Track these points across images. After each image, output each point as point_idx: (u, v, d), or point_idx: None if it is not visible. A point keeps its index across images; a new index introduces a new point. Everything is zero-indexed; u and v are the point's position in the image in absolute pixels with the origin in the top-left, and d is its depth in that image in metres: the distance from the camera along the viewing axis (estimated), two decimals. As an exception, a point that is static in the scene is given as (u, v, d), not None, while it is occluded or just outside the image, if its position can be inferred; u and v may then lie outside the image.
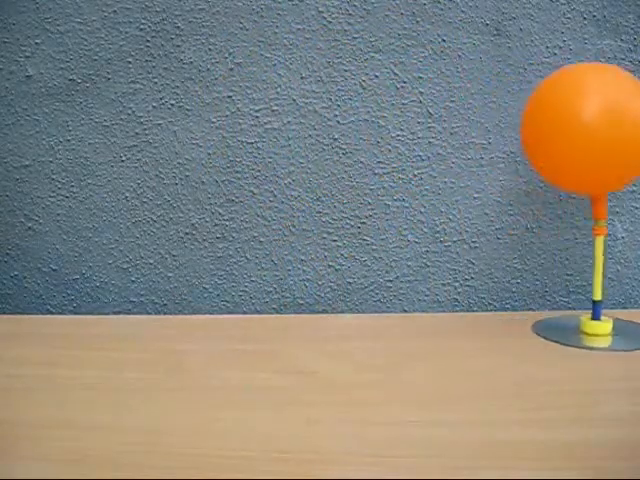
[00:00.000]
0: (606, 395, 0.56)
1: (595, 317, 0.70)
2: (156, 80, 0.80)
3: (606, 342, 0.69)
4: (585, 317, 0.71)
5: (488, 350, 0.66)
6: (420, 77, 0.79)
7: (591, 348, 0.67)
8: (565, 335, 0.70)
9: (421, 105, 0.79)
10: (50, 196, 0.82)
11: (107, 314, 0.82)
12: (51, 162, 0.81)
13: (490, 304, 0.82)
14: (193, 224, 0.81)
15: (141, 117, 0.80)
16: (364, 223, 0.81)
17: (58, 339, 0.71)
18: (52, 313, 0.83)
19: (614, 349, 0.67)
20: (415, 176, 0.80)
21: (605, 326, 0.70)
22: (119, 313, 0.83)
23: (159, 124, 0.80)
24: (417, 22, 0.78)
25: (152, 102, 0.80)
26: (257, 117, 0.80)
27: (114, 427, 0.51)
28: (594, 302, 0.70)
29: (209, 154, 0.80)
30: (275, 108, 0.79)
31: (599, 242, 0.69)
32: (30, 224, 0.82)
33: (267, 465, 0.46)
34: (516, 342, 0.68)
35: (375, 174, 0.80)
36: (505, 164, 0.80)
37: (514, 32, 0.78)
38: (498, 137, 0.79)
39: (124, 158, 0.81)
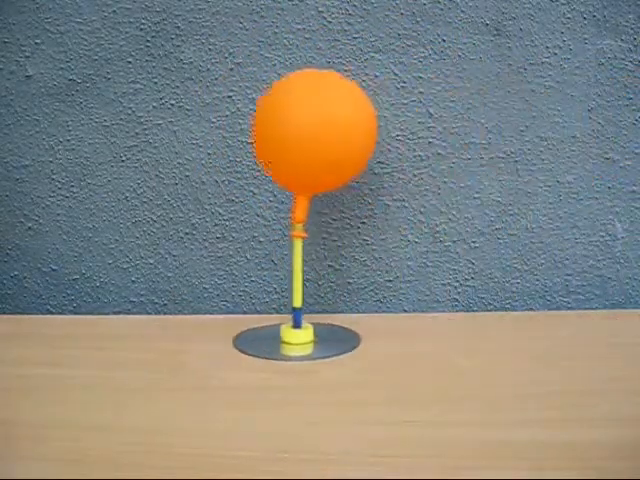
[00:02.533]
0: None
1: (296, 325, 0.68)
2: (156, 80, 0.80)
3: (306, 350, 0.67)
4: (286, 325, 0.69)
5: (487, 350, 0.66)
6: (420, 77, 0.79)
7: (289, 358, 0.65)
8: (266, 346, 0.67)
9: (421, 105, 0.79)
10: (50, 196, 0.82)
11: (107, 314, 0.82)
12: (51, 162, 0.81)
13: (490, 304, 0.82)
14: (193, 224, 0.81)
15: (141, 117, 0.80)
16: (364, 223, 0.81)
17: (58, 339, 0.71)
18: (52, 313, 0.83)
19: (313, 357, 0.66)
20: (415, 176, 0.80)
21: (305, 334, 0.68)
22: (119, 313, 0.83)
23: (159, 124, 0.80)
24: (417, 22, 0.78)
25: (152, 102, 0.80)
26: (257, 117, 0.80)
27: (114, 427, 0.51)
28: (294, 309, 0.68)
29: (209, 154, 0.80)
30: (275, 108, 0.79)
31: (297, 245, 0.68)
32: (30, 224, 0.82)
33: (267, 465, 0.46)
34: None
35: (375, 174, 0.80)
36: (505, 164, 0.80)
37: (514, 32, 0.78)
38: (498, 137, 0.79)
39: (124, 158, 0.81)
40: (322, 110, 0.63)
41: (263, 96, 0.67)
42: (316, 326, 0.70)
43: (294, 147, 0.63)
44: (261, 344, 0.68)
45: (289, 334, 0.68)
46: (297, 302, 0.68)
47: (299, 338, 0.68)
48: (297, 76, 0.68)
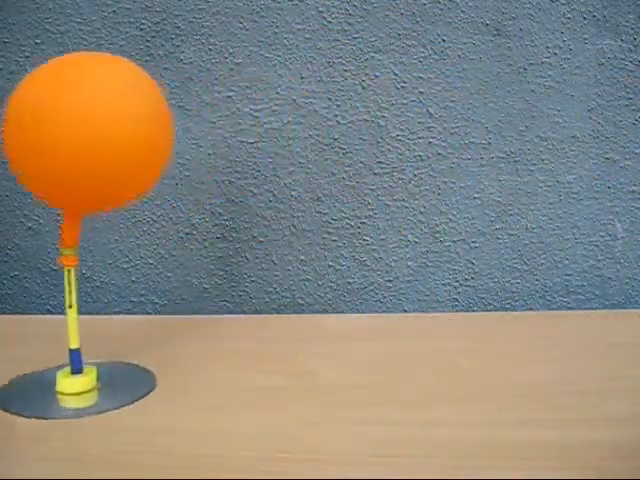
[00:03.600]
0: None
1: (75, 370, 0.56)
2: (156, 80, 0.79)
3: (89, 400, 0.55)
4: (63, 372, 0.56)
5: (487, 350, 0.66)
6: (420, 77, 0.79)
7: (62, 415, 0.52)
8: (37, 400, 0.54)
9: (421, 105, 0.79)
10: (50, 196, 0.82)
11: (107, 314, 0.82)
12: (51, 162, 0.81)
13: (490, 304, 0.82)
14: (193, 224, 0.81)
15: (141, 117, 0.80)
16: (364, 223, 0.81)
17: (58, 339, 0.71)
18: (52, 313, 0.83)
19: (94, 411, 0.53)
20: (415, 176, 0.80)
21: (85, 380, 0.56)
22: (119, 313, 0.83)
23: (159, 124, 0.80)
24: (417, 22, 0.78)
25: (152, 102, 0.80)
26: (257, 117, 0.80)
27: (114, 427, 0.51)
28: (71, 351, 0.56)
29: (209, 154, 0.80)
30: (275, 108, 0.79)
31: (72, 275, 0.55)
32: (30, 224, 0.82)
33: (267, 465, 0.46)
34: (512, 343, 0.68)
35: (375, 174, 0.80)
36: (505, 164, 0.80)
37: (514, 32, 0.78)
38: (498, 137, 0.79)
39: (124, 158, 0.81)
40: (81, 104, 0.49)
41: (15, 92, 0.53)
42: (100, 367, 0.58)
43: (52, 154, 0.48)
44: (34, 396, 0.55)
45: (64, 384, 0.55)
46: (73, 343, 0.56)
47: (77, 386, 0.55)
48: (53, 64, 0.53)
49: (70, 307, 0.56)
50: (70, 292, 0.55)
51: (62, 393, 0.56)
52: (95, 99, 0.49)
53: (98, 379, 0.57)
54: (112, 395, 0.56)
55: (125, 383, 0.58)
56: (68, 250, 0.54)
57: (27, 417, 0.52)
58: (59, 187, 0.50)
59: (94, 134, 0.48)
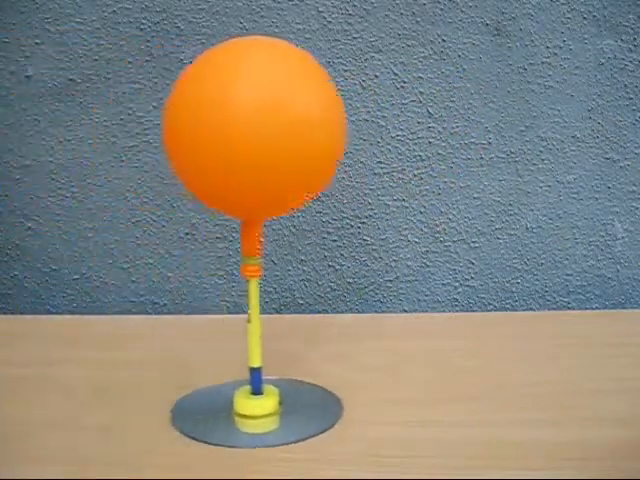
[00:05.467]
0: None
1: (255, 390, 0.51)
2: (156, 80, 0.80)
3: (269, 426, 0.50)
4: (241, 391, 0.52)
5: (487, 350, 0.66)
6: (420, 77, 0.79)
7: (240, 445, 0.47)
8: (211, 423, 0.50)
9: (421, 105, 0.79)
10: (50, 196, 0.82)
11: (107, 314, 0.82)
12: (51, 162, 0.81)
13: (490, 304, 0.82)
14: (193, 224, 0.81)
15: (141, 117, 0.80)
16: (364, 223, 0.81)
17: (58, 339, 0.71)
18: (52, 313, 0.83)
19: (275, 443, 0.48)
20: (415, 176, 0.80)
21: (266, 404, 0.51)
22: (119, 313, 0.82)
23: (159, 124, 0.80)
24: (417, 22, 0.78)
25: (152, 102, 0.80)
26: (257, 117, 0.80)
27: (114, 427, 0.51)
28: (252, 370, 0.51)
29: (209, 154, 0.80)
30: (275, 108, 0.79)
31: (253, 287, 0.51)
32: (30, 224, 0.82)
33: (267, 465, 0.46)
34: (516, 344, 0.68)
35: (375, 174, 0.80)
36: (505, 164, 0.80)
37: (514, 32, 0.78)
38: (498, 137, 0.79)
39: (124, 158, 0.81)
40: (272, 94, 0.44)
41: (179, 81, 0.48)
42: (282, 387, 0.53)
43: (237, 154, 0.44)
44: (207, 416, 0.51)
45: (243, 405, 0.51)
46: (255, 361, 0.52)
47: (257, 409, 0.51)
48: (230, 46, 0.47)
49: (249, 322, 0.51)
50: (252, 305, 0.51)
51: (241, 415, 0.51)
52: (277, 102, 0.44)
53: (281, 403, 0.52)
54: (292, 426, 0.50)
55: (308, 406, 0.53)
56: (249, 259, 0.50)
57: (210, 444, 0.48)
58: (236, 196, 0.46)
59: (275, 144, 0.43)
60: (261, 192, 0.45)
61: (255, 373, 0.52)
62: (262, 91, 0.44)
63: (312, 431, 0.49)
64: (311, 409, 0.53)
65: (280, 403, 0.52)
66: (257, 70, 0.44)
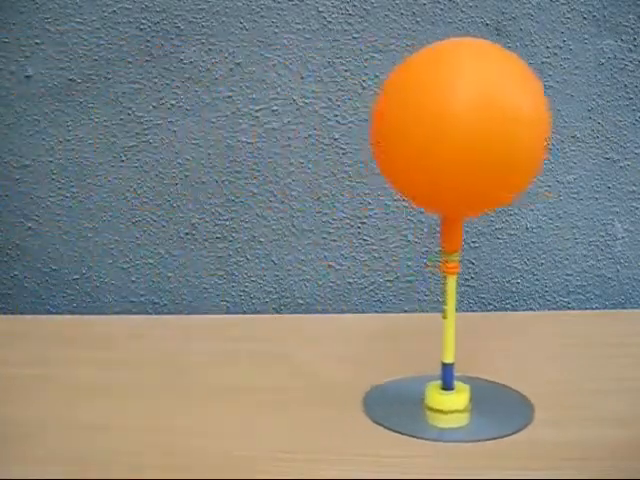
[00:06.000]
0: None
1: (446, 386, 0.52)
2: (156, 80, 0.80)
3: (459, 421, 0.51)
4: (432, 385, 0.52)
5: (487, 350, 0.66)
6: (420, 77, 0.79)
7: (433, 438, 0.49)
8: (402, 413, 0.52)
9: (421, 105, 0.79)
10: (50, 196, 0.82)
11: (107, 314, 0.82)
12: (51, 162, 0.81)
13: (490, 304, 0.82)
14: (193, 224, 0.81)
15: (141, 117, 0.80)
16: (364, 223, 0.81)
17: (58, 339, 0.71)
18: (52, 313, 0.83)
19: (465, 439, 0.49)
20: (415, 176, 0.80)
21: (457, 399, 0.51)
22: (119, 313, 0.82)
23: (159, 124, 0.80)
24: (417, 22, 0.78)
25: (152, 102, 0.80)
26: (257, 117, 0.80)
27: (114, 427, 0.51)
28: (444, 365, 0.52)
29: (209, 154, 0.80)
30: (275, 108, 0.79)
31: (451, 283, 0.51)
32: (30, 224, 0.82)
33: (267, 465, 0.46)
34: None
35: (375, 174, 0.80)
36: (505, 164, 0.80)
37: (514, 32, 0.78)
38: (498, 137, 0.79)
39: (124, 158, 0.81)
40: (492, 91, 0.44)
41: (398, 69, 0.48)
42: (473, 385, 0.53)
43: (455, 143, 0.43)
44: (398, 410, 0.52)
45: (435, 399, 0.51)
46: (448, 357, 0.52)
47: (449, 404, 0.51)
48: (454, 45, 0.48)
49: (445, 318, 0.51)
50: (448, 302, 0.51)
51: (432, 409, 0.51)
52: (491, 100, 0.44)
53: (471, 400, 0.52)
54: (483, 423, 0.51)
55: (499, 409, 0.53)
56: (448, 256, 0.50)
57: (395, 432, 0.49)
58: (441, 192, 0.46)
59: (487, 142, 0.43)
60: (467, 189, 0.45)
61: (448, 368, 0.52)
62: (477, 89, 0.44)
63: (502, 432, 0.49)
64: (502, 409, 0.53)
65: (470, 400, 0.52)
66: (472, 69, 0.45)
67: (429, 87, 0.44)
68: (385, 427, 0.50)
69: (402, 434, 0.49)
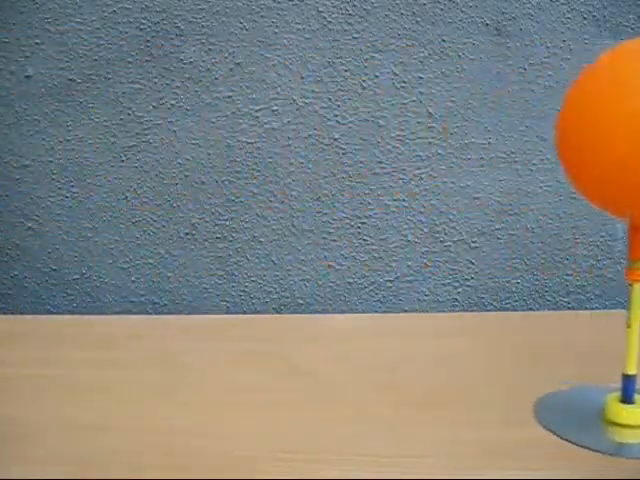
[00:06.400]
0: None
1: (626, 399, 0.50)
2: (156, 80, 0.80)
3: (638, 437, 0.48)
4: (612, 396, 0.51)
5: (488, 350, 0.66)
6: (420, 77, 0.79)
7: (619, 453, 0.46)
8: (580, 425, 0.49)
9: (421, 105, 0.79)
10: (50, 196, 0.82)
11: (107, 314, 0.82)
12: (51, 162, 0.81)
13: (490, 304, 0.82)
14: (193, 224, 0.81)
15: (141, 117, 0.80)
16: (364, 223, 0.81)
17: (58, 339, 0.71)
18: (52, 313, 0.83)
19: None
20: (415, 176, 0.80)
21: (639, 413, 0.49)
22: (119, 313, 0.82)
23: (159, 124, 0.80)
24: (417, 22, 0.78)
25: (152, 102, 0.80)
26: (257, 117, 0.80)
27: (114, 427, 0.51)
28: (625, 377, 0.50)
29: (209, 154, 0.80)
30: (275, 108, 0.79)
31: (637, 290, 0.49)
32: (30, 224, 0.82)
33: (267, 465, 0.46)
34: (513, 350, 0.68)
35: (375, 174, 0.80)
36: (505, 164, 0.80)
37: (514, 32, 0.78)
38: (498, 137, 0.79)
39: (124, 158, 0.81)
40: None
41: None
42: None
43: None
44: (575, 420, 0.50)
45: (619, 412, 0.49)
46: (631, 368, 0.50)
47: (633, 418, 0.49)
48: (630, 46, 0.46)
49: (629, 327, 0.51)
50: (633, 310, 0.50)
51: (613, 423, 0.50)
52: None
53: None
54: None
55: None
56: (636, 263, 0.49)
57: (577, 445, 0.47)
58: (628, 196, 0.45)
59: None
60: None
61: (629, 380, 0.50)
62: None
63: None
64: None
65: None
66: None
67: (622, 92, 0.43)
68: (563, 438, 0.48)
69: (576, 445, 0.48)
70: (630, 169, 0.42)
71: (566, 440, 0.48)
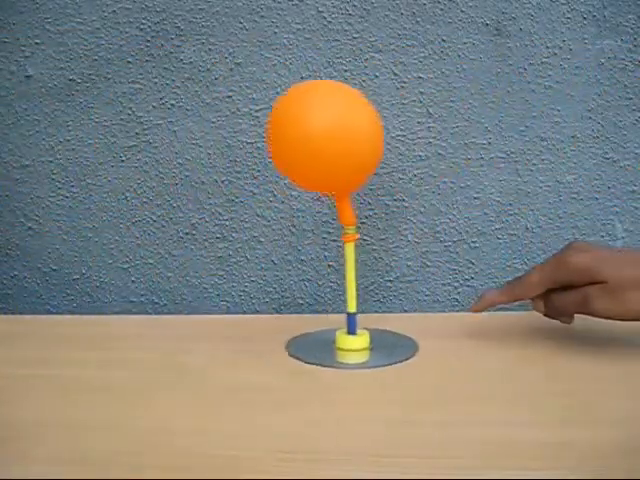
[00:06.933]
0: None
1: (350, 331, 0.66)
2: (156, 80, 0.80)
3: (362, 357, 0.65)
4: (340, 331, 0.67)
5: (488, 350, 0.66)
6: (420, 77, 0.79)
7: (343, 366, 0.63)
8: (319, 353, 0.65)
9: (421, 105, 0.79)
10: (50, 196, 0.82)
11: (107, 314, 0.82)
12: (51, 162, 0.81)
13: (490, 304, 0.81)
14: (193, 224, 0.81)
15: (141, 117, 0.80)
16: (364, 223, 0.81)
17: (58, 339, 0.71)
18: (52, 313, 0.83)
19: (368, 365, 0.63)
20: (415, 176, 0.80)
21: (360, 340, 0.66)
22: (119, 313, 0.83)
23: (159, 124, 0.80)
24: (417, 22, 0.78)
25: (152, 102, 0.80)
26: (257, 117, 0.80)
27: (114, 427, 0.51)
28: (348, 315, 0.66)
29: (209, 154, 0.80)
30: (275, 108, 0.79)
31: (349, 249, 0.66)
32: (30, 224, 0.82)
33: (267, 465, 0.46)
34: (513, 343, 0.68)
35: (375, 174, 0.80)
36: (505, 164, 0.80)
37: (514, 32, 0.78)
38: (498, 137, 0.79)
39: (124, 158, 0.81)
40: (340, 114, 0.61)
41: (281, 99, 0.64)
42: (372, 332, 0.68)
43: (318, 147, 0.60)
44: (315, 350, 0.66)
45: (344, 340, 0.66)
46: (351, 307, 0.66)
47: (354, 344, 0.66)
48: (313, 83, 0.67)
49: (346, 278, 0.66)
50: (348, 265, 0.66)
51: (342, 349, 0.66)
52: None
53: (371, 341, 0.67)
54: (379, 356, 0.65)
55: (390, 347, 0.67)
56: (350, 228, 0.66)
57: (313, 364, 0.62)
58: (322, 180, 0.63)
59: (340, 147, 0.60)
60: (336, 178, 0.63)
61: (351, 317, 0.66)
62: (329, 118, 0.61)
63: (394, 360, 0.64)
64: (393, 347, 0.68)
65: (371, 342, 0.67)
66: (328, 102, 0.62)
67: (295, 119, 0.61)
68: (303, 361, 0.63)
69: (320, 365, 0.62)
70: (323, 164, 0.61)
71: (309, 363, 0.63)
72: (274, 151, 0.64)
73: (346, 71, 0.79)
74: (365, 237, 0.81)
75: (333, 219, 0.81)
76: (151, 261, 0.82)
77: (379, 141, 0.64)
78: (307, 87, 0.64)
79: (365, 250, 0.81)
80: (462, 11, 0.78)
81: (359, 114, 0.62)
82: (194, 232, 0.82)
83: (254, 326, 0.74)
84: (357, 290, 0.67)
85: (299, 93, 0.64)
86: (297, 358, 0.64)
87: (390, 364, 0.63)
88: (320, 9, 0.78)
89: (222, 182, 0.81)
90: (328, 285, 0.82)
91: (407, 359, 0.64)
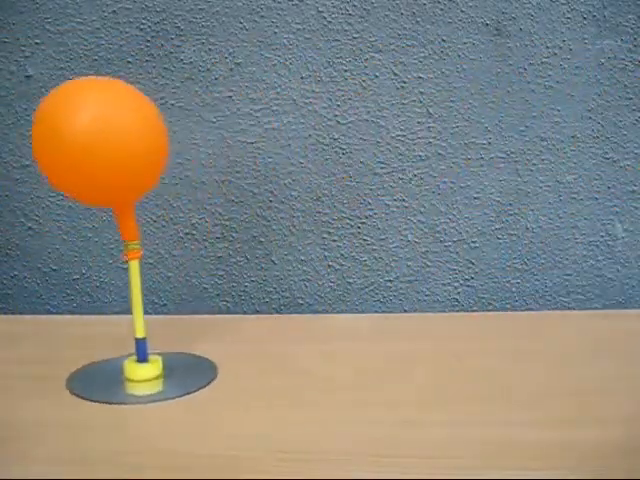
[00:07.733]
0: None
1: (140, 358, 0.59)
2: (156, 80, 0.80)
3: (155, 387, 0.58)
4: (130, 358, 0.60)
5: (487, 350, 0.66)
6: (420, 77, 0.79)
7: (133, 400, 0.56)
8: (106, 387, 0.58)
9: (421, 105, 0.79)
10: (50, 196, 0.82)
11: (107, 314, 0.82)
12: (51, 162, 0.81)
13: (490, 304, 0.82)
14: (193, 224, 0.81)
15: (141, 117, 0.80)
16: (364, 223, 0.81)
17: (58, 339, 0.71)
18: (52, 313, 0.83)
19: (161, 397, 0.56)
20: (415, 176, 0.80)
21: (151, 368, 0.59)
22: (119, 313, 0.83)
23: (159, 124, 0.80)
24: (417, 22, 0.78)
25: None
26: (257, 117, 0.80)
27: (114, 427, 0.51)
28: (137, 340, 0.59)
29: (209, 154, 0.80)
30: (275, 108, 0.79)
31: (134, 267, 0.59)
32: (30, 224, 0.82)
33: (267, 465, 0.46)
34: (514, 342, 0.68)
35: (375, 174, 0.80)
36: (505, 164, 0.80)
37: (514, 32, 0.78)
38: (498, 137, 0.79)
39: (124, 158, 0.81)
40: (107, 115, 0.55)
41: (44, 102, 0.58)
42: (165, 357, 0.61)
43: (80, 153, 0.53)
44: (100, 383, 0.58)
45: (132, 370, 0.59)
46: (139, 332, 0.59)
47: (144, 373, 0.59)
48: (79, 82, 0.60)
49: (132, 300, 0.59)
50: (134, 284, 0.59)
51: (131, 380, 0.59)
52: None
53: (164, 367, 0.60)
54: (174, 385, 0.58)
55: (186, 373, 0.61)
56: (133, 243, 0.59)
57: (96, 402, 0.55)
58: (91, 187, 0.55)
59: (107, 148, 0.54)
60: (105, 183, 0.55)
61: (140, 343, 0.59)
62: (96, 114, 0.55)
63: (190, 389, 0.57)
64: (189, 373, 0.61)
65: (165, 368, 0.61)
66: (94, 101, 0.56)
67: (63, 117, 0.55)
68: (86, 399, 0.56)
69: (105, 403, 0.55)
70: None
71: (94, 401, 0.55)
72: (41, 165, 0.56)
73: (346, 71, 0.79)
74: (365, 237, 0.81)
75: (333, 219, 0.81)
76: (151, 261, 0.82)
77: (157, 140, 0.57)
78: (60, 91, 0.58)
79: (365, 250, 0.81)
80: (462, 11, 0.78)
81: (125, 112, 0.55)
82: (194, 232, 0.82)
83: (256, 326, 0.74)
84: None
85: (53, 98, 0.57)
86: (78, 395, 0.57)
87: (181, 395, 0.56)
88: (320, 9, 0.78)
89: (222, 182, 0.81)
90: (328, 285, 0.82)
91: (206, 385, 0.58)
